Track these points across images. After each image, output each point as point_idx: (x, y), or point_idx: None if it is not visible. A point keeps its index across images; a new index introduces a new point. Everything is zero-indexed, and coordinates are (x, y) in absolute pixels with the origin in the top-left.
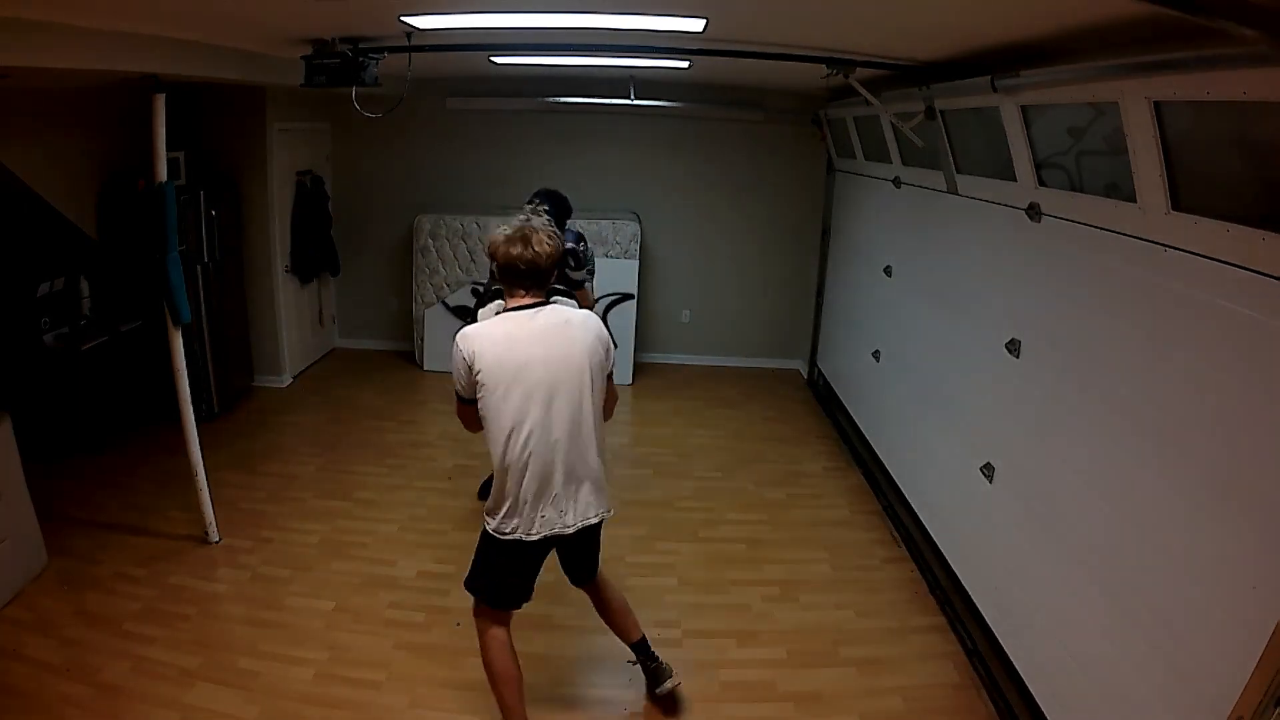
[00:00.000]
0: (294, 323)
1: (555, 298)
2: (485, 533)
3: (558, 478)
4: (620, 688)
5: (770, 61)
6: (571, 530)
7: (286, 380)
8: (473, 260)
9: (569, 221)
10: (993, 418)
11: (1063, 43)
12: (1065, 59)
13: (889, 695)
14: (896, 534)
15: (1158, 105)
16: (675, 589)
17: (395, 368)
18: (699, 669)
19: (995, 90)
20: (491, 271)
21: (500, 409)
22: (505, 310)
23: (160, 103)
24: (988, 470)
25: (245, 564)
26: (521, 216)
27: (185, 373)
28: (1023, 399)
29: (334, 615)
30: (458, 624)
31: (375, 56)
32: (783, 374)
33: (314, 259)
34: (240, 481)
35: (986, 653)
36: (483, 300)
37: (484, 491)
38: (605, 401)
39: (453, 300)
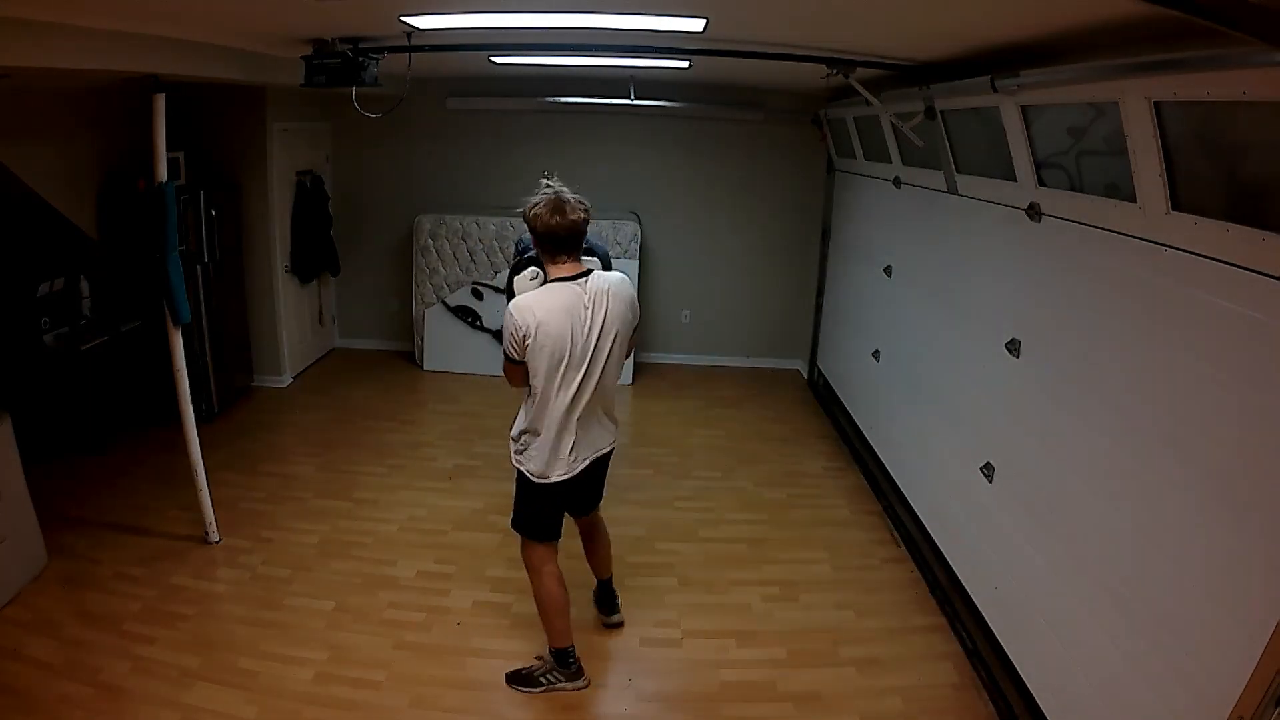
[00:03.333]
0: (294, 323)
1: (587, 260)
2: (525, 481)
3: (589, 429)
4: (620, 688)
5: (770, 61)
6: (587, 463)
7: (286, 380)
8: (472, 260)
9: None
10: (993, 418)
11: (1063, 43)
12: (1065, 59)
13: (889, 695)
14: (896, 534)
15: (1158, 105)
16: (675, 589)
17: (395, 368)
18: (699, 669)
19: (995, 90)
20: (518, 244)
21: (550, 371)
22: (553, 280)
23: (160, 103)
24: (988, 470)
25: (245, 564)
26: (548, 187)
27: (185, 373)
28: (1023, 399)
29: (334, 615)
30: (458, 624)
31: (375, 56)
32: (783, 374)
33: (314, 259)
34: (240, 481)
35: (986, 653)
36: (516, 269)
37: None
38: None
39: (453, 300)
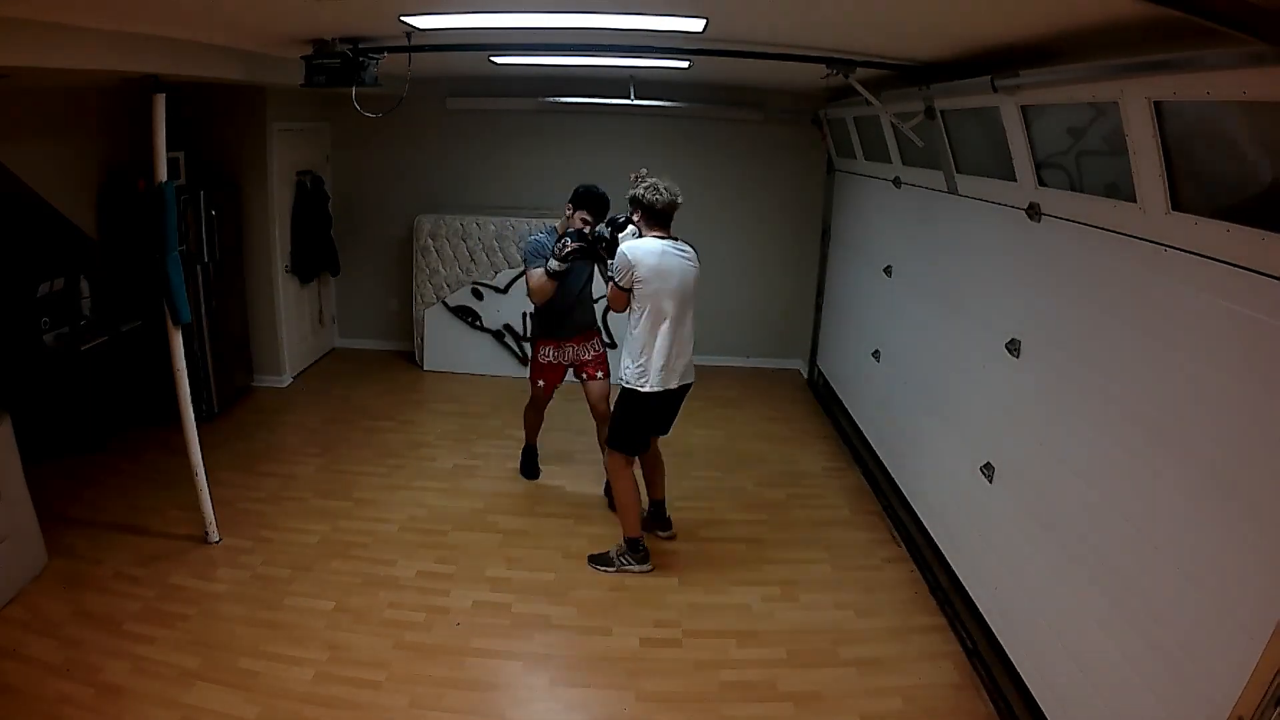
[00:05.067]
0: (294, 323)
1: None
2: (633, 395)
3: (681, 355)
4: (619, 687)
5: (770, 61)
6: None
7: (286, 380)
8: (472, 260)
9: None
10: (993, 418)
11: (1063, 43)
12: (1065, 59)
13: (889, 695)
14: (896, 534)
15: (1158, 105)
16: (675, 589)
17: (395, 368)
18: (699, 669)
19: (995, 90)
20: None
21: (655, 301)
22: (652, 235)
23: (160, 103)
24: (988, 470)
25: (245, 564)
26: (646, 183)
27: (185, 373)
28: (1023, 399)
29: (334, 615)
30: (458, 624)
31: (375, 56)
32: (783, 374)
33: (314, 259)
34: (240, 481)
35: (986, 653)
36: (619, 227)
37: (525, 469)
38: None
39: (453, 300)
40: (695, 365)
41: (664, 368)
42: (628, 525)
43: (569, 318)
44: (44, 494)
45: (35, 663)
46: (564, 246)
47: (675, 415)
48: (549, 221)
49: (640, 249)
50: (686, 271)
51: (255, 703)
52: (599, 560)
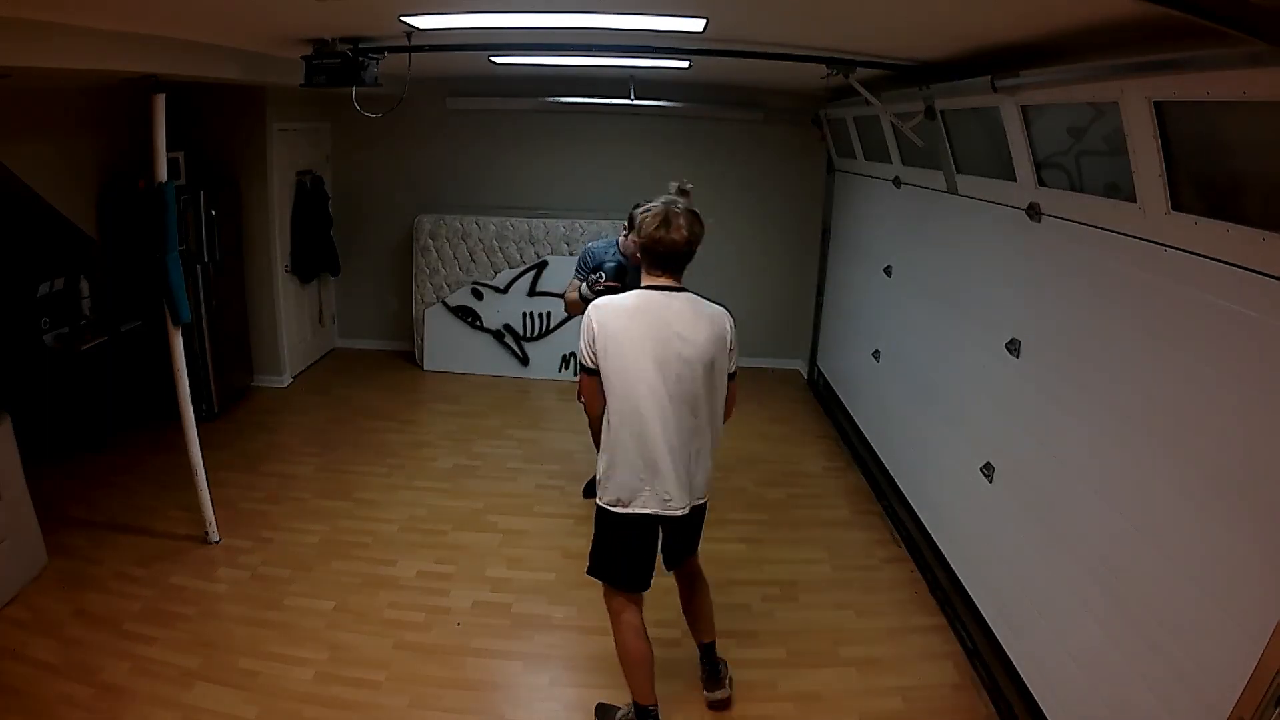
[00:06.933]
0: (294, 323)
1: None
2: (598, 510)
3: (665, 461)
4: (619, 688)
5: (770, 61)
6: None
7: (286, 380)
8: (472, 260)
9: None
10: (993, 418)
11: (1063, 43)
12: (1065, 59)
13: (889, 695)
14: (896, 534)
15: (1158, 105)
16: (675, 589)
17: (395, 368)
18: (699, 669)
19: (995, 90)
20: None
21: (624, 387)
22: (646, 283)
23: (160, 103)
24: (988, 470)
25: (245, 564)
26: (666, 198)
27: (185, 373)
28: (1023, 399)
29: (334, 615)
30: (458, 624)
31: (375, 56)
32: (783, 374)
33: (314, 259)
34: (240, 481)
35: (986, 653)
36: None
37: (588, 490)
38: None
39: (453, 300)
40: None
41: (634, 486)
42: (632, 687)
43: None
44: (44, 494)
45: (35, 663)
46: (596, 281)
47: (690, 535)
48: (603, 229)
49: (608, 308)
50: (695, 347)
51: (255, 703)
52: (602, 713)
